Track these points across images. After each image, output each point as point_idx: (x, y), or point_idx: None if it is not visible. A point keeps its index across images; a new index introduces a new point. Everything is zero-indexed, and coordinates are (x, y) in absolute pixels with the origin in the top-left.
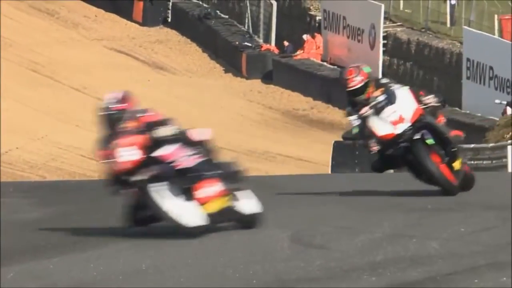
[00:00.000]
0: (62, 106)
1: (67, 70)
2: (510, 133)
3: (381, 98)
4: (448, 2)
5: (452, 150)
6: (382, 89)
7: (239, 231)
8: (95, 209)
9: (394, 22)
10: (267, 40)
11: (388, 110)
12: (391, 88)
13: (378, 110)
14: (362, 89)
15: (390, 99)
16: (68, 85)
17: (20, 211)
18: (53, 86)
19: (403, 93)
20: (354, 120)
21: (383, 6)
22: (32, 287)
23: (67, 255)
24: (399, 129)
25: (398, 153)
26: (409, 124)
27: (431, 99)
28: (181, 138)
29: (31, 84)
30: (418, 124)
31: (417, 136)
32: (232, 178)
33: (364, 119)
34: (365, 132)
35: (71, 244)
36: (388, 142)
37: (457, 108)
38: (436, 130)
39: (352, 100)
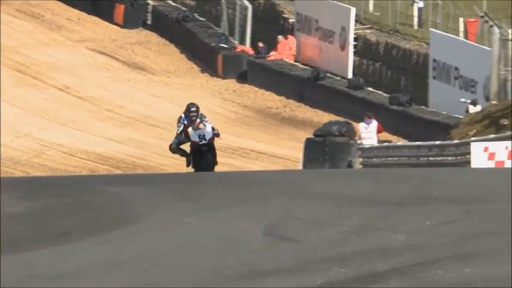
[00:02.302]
0: (46, 105)
1: (51, 70)
2: (474, 131)
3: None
4: (415, 5)
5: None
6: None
7: (215, 224)
8: (77, 203)
9: (364, 25)
10: (242, 41)
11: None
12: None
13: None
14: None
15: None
16: (52, 84)
17: (4, 206)
18: (37, 86)
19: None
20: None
21: (353, 9)
22: (14, 278)
23: (50, 248)
24: (204, 142)
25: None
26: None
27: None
28: None
29: (16, 84)
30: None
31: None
32: None
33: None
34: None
35: (53, 237)
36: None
37: (423, 107)
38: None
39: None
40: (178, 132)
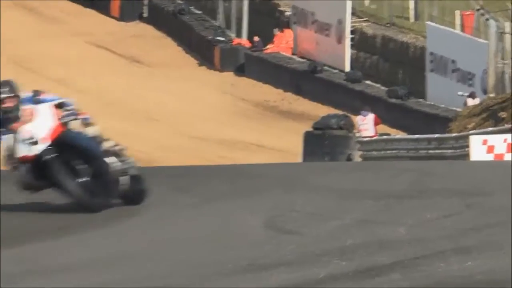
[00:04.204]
0: None
1: (48, 64)
2: (472, 124)
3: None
4: None
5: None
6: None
7: (215, 218)
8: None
9: (360, 18)
10: (238, 34)
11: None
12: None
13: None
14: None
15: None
16: (49, 77)
17: (4, 198)
18: (33, 79)
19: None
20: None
21: (349, 2)
22: (17, 271)
23: (52, 241)
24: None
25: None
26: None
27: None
28: None
29: (12, 76)
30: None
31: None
32: None
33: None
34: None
35: (55, 230)
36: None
37: (421, 100)
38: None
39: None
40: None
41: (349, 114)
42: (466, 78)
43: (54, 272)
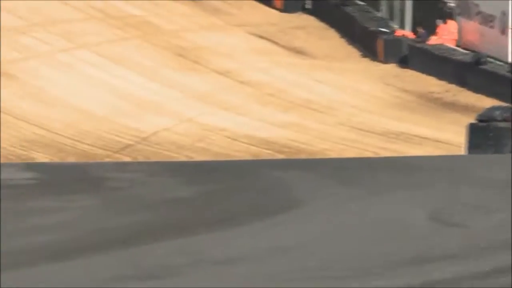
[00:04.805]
0: (207, 89)
1: (211, 55)
2: None
3: None
4: None
5: None
6: None
7: (378, 209)
8: (241, 188)
9: None
10: (402, 25)
11: None
12: None
13: None
14: None
15: None
16: (212, 69)
17: (168, 190)
18: (198, 70)
19: None
20: None
21: None
22: (180, 262)
23: (214, 233)
24: None
25: None
26: None
27: None
28: None
29: (177, 68)
30: None
31: None
32: None
33: None
34: None
35: (218, 222)
36: None
37: None
38: None
39: None
40: None
41: None
42: None
43: (219, 263)
